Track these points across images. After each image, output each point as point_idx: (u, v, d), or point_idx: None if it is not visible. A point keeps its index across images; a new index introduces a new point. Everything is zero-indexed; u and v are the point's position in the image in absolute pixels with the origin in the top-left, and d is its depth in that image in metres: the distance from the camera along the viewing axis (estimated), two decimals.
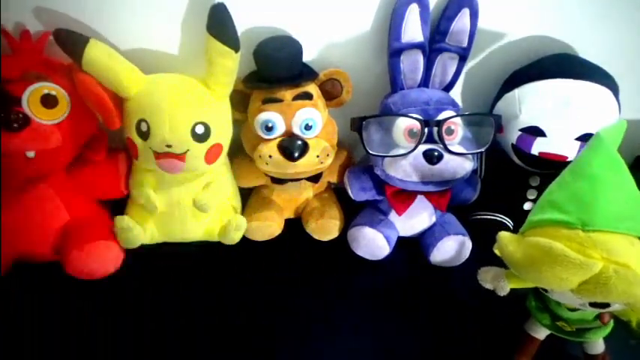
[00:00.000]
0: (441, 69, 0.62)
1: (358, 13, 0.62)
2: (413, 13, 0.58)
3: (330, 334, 0.61)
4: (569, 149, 0.60)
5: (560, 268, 0.42)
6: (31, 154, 0.55)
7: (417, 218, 0.67)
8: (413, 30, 0.59)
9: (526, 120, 0.61)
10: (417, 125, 0.58)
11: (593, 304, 0.47)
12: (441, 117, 0.59)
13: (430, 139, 0.59)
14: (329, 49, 0.65)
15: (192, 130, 0.57)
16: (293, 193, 0.70)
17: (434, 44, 0.61)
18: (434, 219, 0.68)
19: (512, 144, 0.64)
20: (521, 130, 0.62)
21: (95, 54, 0.55)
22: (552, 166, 0.64)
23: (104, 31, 0.60)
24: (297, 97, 0.61)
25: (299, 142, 0.61)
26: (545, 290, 0.51)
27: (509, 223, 0.70)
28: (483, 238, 0.71)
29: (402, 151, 0.59)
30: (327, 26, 0.63)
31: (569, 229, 0.44)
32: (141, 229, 0.64)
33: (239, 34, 0.57)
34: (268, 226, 0.68)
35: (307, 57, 0.63)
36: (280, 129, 0.61)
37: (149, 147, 0.57)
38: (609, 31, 0.63)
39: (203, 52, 0.57)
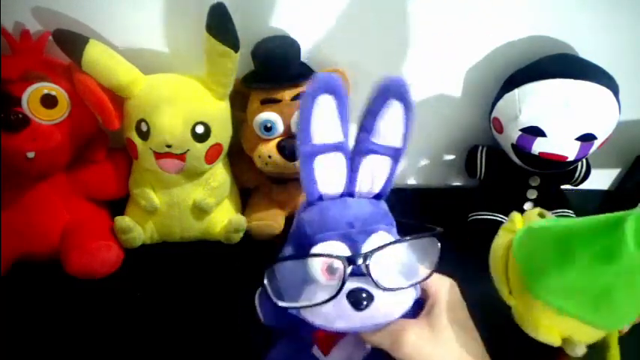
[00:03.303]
0: (370, 175, 0.46)
1: (356, 12, 0.62)
2: (325, 106, 0.43)
3: None
4: (569, 149, 0.60)
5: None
6: (30, 154, 0.55)
7: (346, 352, 0.48)
8: (327, 128, 0.43)
9: (526, 120, 0.61)
10: (337, 261, 0.41)
11: None
12: (367, 246, 0.41)
13: (357, 272, 0.41)
14: (327, 49, 0.65)
15: (192, 130, 0.57)
16: (293, 192, 0.70)
17: (358, 144, 0.45)
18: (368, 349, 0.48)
19: (512, 144, 0.64)
20: (521, 130, 0.62)
21: (95, 54, 0.55)
22: (552, 166, 0.64)
23: (104, 31, 0.60)
24: (295, 97, 0.61)
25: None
26: None
27: None
28: (483, 238, 0.71)
29: (319, 298, 0.41)
30: (326, 25, 0.63)
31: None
32: (141, 230, 0.64)
33: (238, 33, 0.57)
34: (269, 226, 0.68)
35: (305, 56, 0.63)
36: (279, 129, 0.61)
37: (149, 147, 0.58)
38: (609, 31, 0.63)
39: (202, 52, 0.57)
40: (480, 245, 0.70)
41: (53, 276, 0.62)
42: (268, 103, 0.61)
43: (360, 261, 0.41)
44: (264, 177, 0.68)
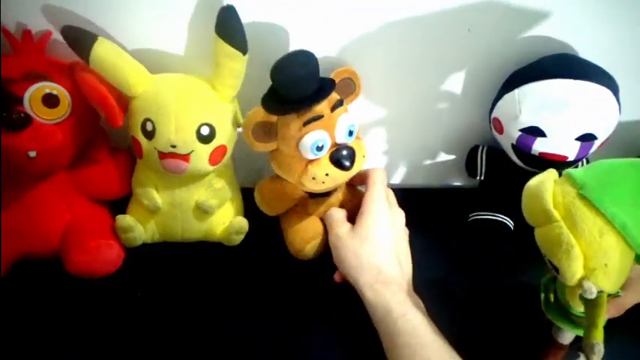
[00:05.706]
0: None
1: (356, 12, 0.61)
2: None
3: (330, 333, 0.61)
4: (569, 149, 0.61)
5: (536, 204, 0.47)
6: (32, 153, 0.55)
7: None
8: None
9: (526, 120, 0.61)
10: None
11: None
12: None
13: None
14: (329, 49, 0.65)
15: (198, 131, 0.57)
16: (332, 200, 0.67)
17: None
18: None
19: (512, 144, 0.64)
20: (521, 130, 0.62)
21: (103, 52, 0.55)
22: (552, 166, 0.64)
23: (111, 29, 0.59)
24: (334, 107, 0.58)
25: (348, 151, 0.58)
26: None
27: (510, 223, 0.70)
28: (483, 238, 0.72)
29: None
30: (326, 25, 0.63)
31: (571, 184, 0.46)
32: (142, 229, 0.64)
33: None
34: (317, 244, 0.66)
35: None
36: (328, 144, 0.58)
37: (154, 147, 0.57)
38: (609, 31, 0.63)
39: (210, 54, 0.57)
40: (480, 245, 0.71)
41: (54, 275, 0.62)
42: (312, 121, 0.56)
43: None
44: (297, 198, 0.65)
